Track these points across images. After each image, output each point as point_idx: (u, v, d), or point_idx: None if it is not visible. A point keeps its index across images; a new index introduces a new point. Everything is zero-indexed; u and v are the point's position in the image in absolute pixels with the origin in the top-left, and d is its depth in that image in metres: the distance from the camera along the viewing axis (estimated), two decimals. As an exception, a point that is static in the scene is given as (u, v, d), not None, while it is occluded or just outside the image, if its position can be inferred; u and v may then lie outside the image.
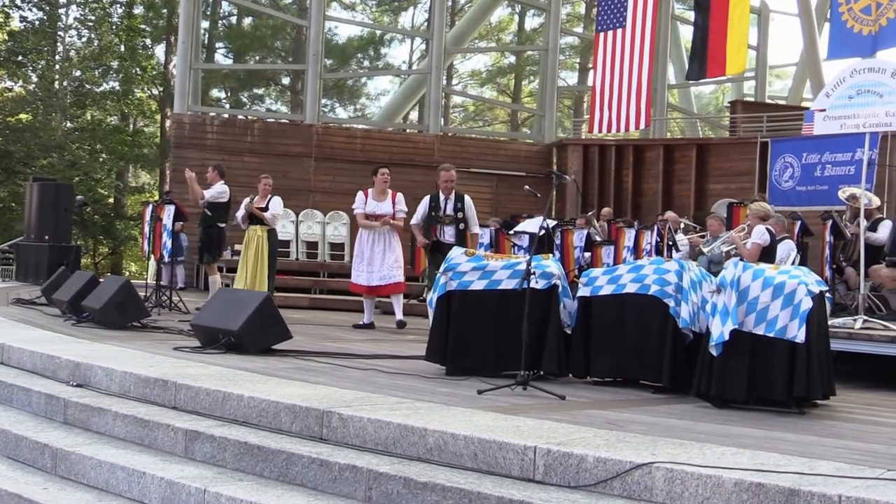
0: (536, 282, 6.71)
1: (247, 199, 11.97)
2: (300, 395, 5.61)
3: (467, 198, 10.79)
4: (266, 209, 11.90)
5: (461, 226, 10.62)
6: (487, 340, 7.06)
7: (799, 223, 11.85)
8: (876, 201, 11.58)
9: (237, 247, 16.79)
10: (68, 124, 28.35)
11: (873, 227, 10.97)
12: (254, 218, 11.88)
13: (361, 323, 11.65)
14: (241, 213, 11.94)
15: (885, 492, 3.65)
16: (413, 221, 10.92)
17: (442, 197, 10.70)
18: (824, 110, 9.21)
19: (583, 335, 7.01)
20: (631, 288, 6.80)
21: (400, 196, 11.49)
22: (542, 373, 6.97)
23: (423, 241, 10.75)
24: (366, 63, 34.21)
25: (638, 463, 4.06)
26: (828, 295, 6.51)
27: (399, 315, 11.48)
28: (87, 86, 28.43)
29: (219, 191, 12.57)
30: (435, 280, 7.45)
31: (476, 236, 11.02)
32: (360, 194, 11.48)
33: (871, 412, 6.52)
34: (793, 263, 9.71)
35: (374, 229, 11.28)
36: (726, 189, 18.52)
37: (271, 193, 12.11)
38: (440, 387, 6.46)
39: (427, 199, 10.86)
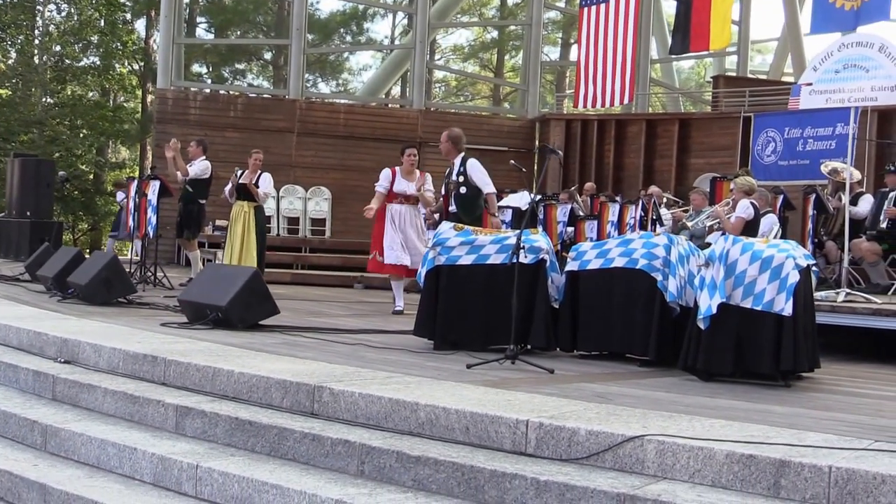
0: (525, 256, 6.73)
1: (237, 173, 11.88)
2: (290, 370, 5.62)
3: (470, 160, 9.95)
4: (256, 185, 11.83)
5: (462, 189, 9.80)
6: (475, 315, 7.08)
7: (781, 197, 11.91)
8: (857, 175, 11.66)
9: (218, 222, 16.77)
10: (48, 100, 28.09)
11: (854, 201, 11.06)
12: (241, 193, 11.80)
13: (398, 309, 10.57)
14: (228, 187, 11.87)
15: (874, 462, 3.70)
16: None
17: (449, 165, 10.12)
18: (811, 84, 9.24)
19: (570, 309, 7.04)
20: (619, 262, 6.83)
21: (428, 176, 10.79)
22: (529, 347, 7.00)
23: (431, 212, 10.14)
24: (348, 38, 34.02)
25: (629, 436, 4.09)
26: (814, 268, 6.56)
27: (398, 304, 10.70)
28: (67, 61, 28.15)
29: (202, 167, 12.52)
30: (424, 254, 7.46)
31: (492, 196, 10.07)
32: (386, 171, 10.76)
33: (855, 384, 6.60)
34: (775, 237, 9.78)
35: (390, 203, 10.61)
36: (707, 164, 18.53)
37: (261, 169, 12.03)
38: (428, 361, 6.49)
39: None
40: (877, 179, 14.57)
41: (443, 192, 10.13)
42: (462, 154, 10.00)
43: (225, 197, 12.03)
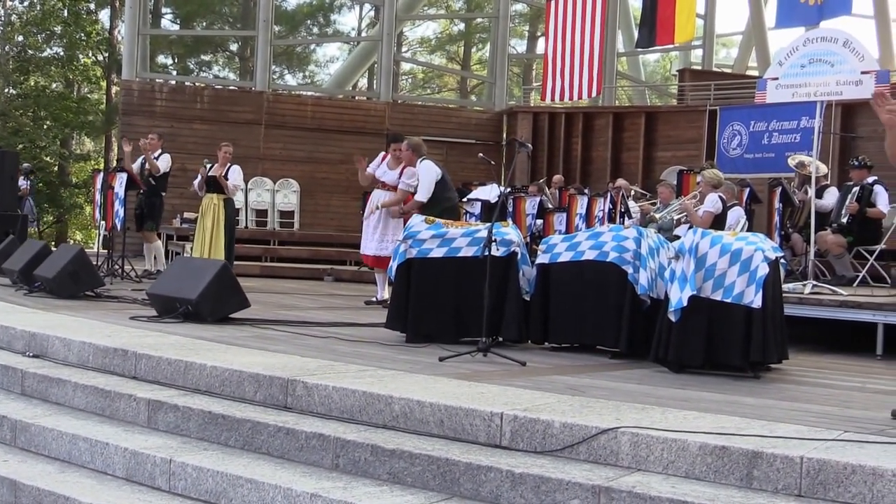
0: (497, 249, 6.74)
1: (206, 166, 11.84)
2: (262, 363, 5.61)
3: (424, 163, 10.04)
4: (226, 178, 11.78)
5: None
6: (447, 307, 7.10)
7: (747, 190, 12.02)
8: (823, 169, 11.78)
9: (187, 214, 16.69)
10: (11, 91, 27.76)
11: (819, 194, 11.17)
12: (211, 185, 11.75)
13: (374, 299, 10.61)
14: (198, 179, 11.83)
15: (843, 453, 3.75)
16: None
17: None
18: (777, 79, 9.33)
19: (541, 302, 7.07)
20: (590, 255, 6.87)
21: (409, 170, 10.29)
22: (500, 339, 7.03)
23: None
24: (315, 30, 33.86)
25: (603, 428, 4.13)
26: (782, 261, 6.63)
27: (380, 294, 10.60)
28: (30, 51, 27.83)
29: (167, 161, 12.59)
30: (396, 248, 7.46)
31: (417, 201, 9.95)
32: (380, 155, 10.75)
33: (822, 375, 6.68)
34: (742, 230, 9.86)
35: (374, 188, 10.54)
36: (674, 157, 18.66)
37: (230, 162, 11.99)
38: (401, 354, 6.50)
39: None
40: (840, 173, 14.74)
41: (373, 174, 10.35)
42: (420, 159, 10.10)
43: (195, 190, 11.97)
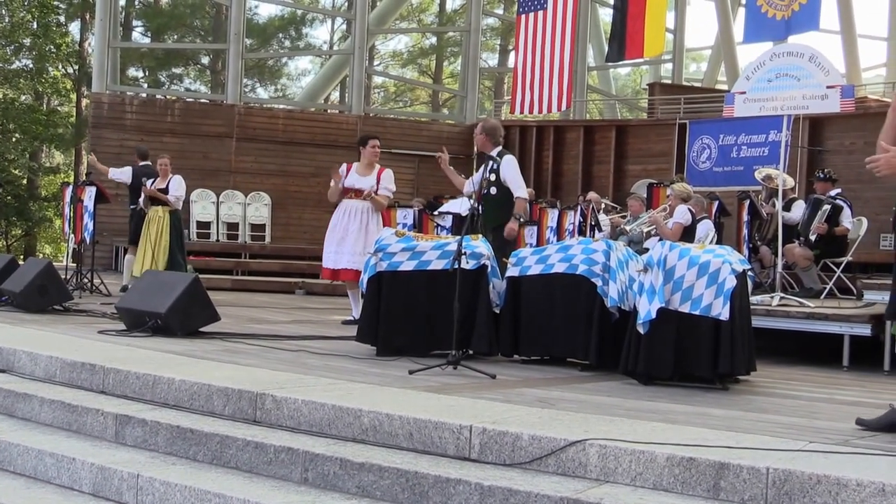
0: (467, 262, 6.76)
1: (149, 182, 11.96)
2: (232, 377, 5.59)
3: (507, 157, 8.77)
4: (166, 190, 11.85)
5: (492, 190, 8.57)
6: (417, 321, 7.10)
7: (716, 203, 12.12)
8: (790, 182, 11.88)
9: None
10: (-22, 103, 27.55)
11: (787, 207, 11.27)
12: (154, 199, 11.86)
13: (351, 318, 9.63)
14: (142, 198, 11.98)
15: (809, 463, 3.78)
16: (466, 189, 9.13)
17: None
18: (744, 93, 9.42)
19: (511, 315, 7.08)
20: (559, 268, 6.89)
21: (388, 173, 9.78)
22: (471, 352, 7.04)
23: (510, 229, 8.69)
24: (287, 43, 33.83)
25: (572, 440, 4.14)
26: (750, 273, 6.69)
27: (356, 312, 9.51)
28: (-1, 63, 27.69)
29: (121, 170, 12.80)
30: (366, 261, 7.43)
31: (521, 200, 8.85)
32: (342, 167, 9.88)
33: (789, 387, 6.73)
34: (711, 243, 9.94)
35: (342, 200, 9.73)
36: (644, 170, 18.79)
37: (171, 172, 12.06)
38: (371, 367, 6.49)
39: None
40: (808, 185, 14.88)
41: (469, 190, 9.09)
42: (499, 148, 8.85)
43: (142, 208, 12.05)
